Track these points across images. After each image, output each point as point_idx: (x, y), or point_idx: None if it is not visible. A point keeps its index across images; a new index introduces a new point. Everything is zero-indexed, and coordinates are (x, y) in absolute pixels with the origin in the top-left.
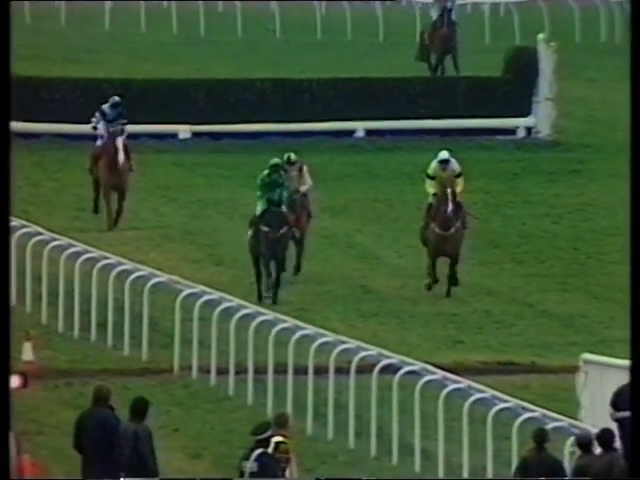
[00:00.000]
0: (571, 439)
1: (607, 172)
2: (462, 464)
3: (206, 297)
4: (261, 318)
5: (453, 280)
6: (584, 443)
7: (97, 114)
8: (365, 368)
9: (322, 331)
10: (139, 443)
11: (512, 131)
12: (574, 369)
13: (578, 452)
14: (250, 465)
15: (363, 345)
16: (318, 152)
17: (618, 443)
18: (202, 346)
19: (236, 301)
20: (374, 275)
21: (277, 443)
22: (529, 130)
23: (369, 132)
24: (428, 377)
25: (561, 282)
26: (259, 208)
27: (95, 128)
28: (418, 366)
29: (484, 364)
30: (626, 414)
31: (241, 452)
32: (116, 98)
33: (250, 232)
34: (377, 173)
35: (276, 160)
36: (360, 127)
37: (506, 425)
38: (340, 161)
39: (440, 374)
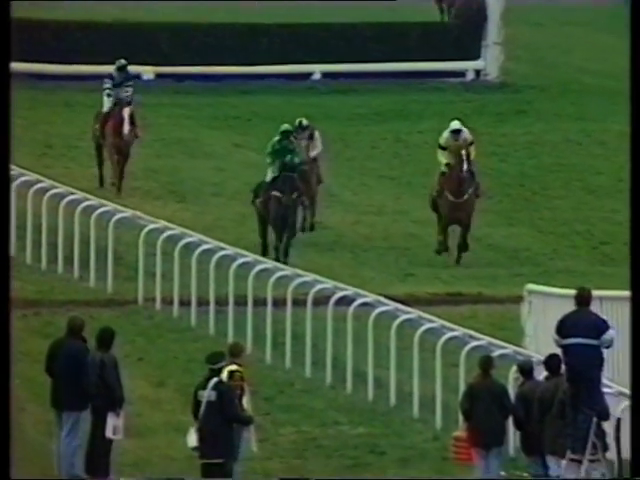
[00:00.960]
0: (515, 365)
1: (552, 112)
2: (413, 391)
3: (168, 232)
4: (222, 253)
5: (464, 247)
6: (526, 370)
7: (106, 80)
8: (321, 300)
9: (280, 265)
10: (105, 371)
11: (462, 74)
12: (519, 299)
13: (521, 379)
14: (207, 394)
15: (319, 278)
16: (276, 94)
17: (563, 368)
18: (165, 279)
19: (197, 236)
20: (330, 212)
21: (231, 372)
22: (478, 73)
23: (325, 75)
24: (381, 308)
25: (507, 217)
26: (269, 174)
27: (109, 95)
28: (371, 298)
29: (434, 295)
30: (570, 341)
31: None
32: (122, 61)
33: (260, 198)
34: (333, 114)
35: (286, 126)
36: (317, 70)
37: (454, 353)
38: (298, 102)
39: (392, 305)
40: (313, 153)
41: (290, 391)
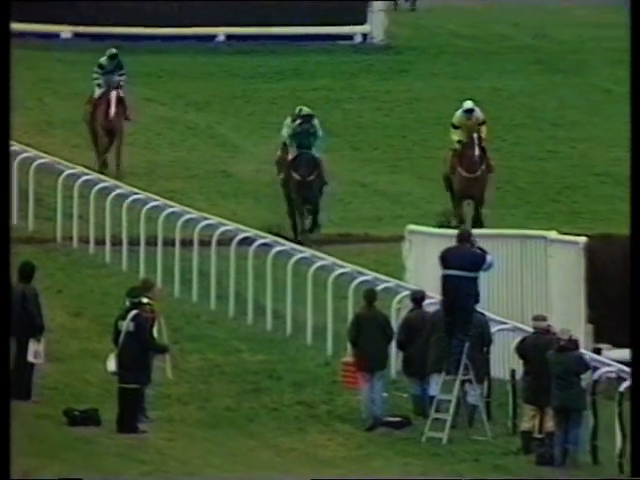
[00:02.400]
0: (398, 297)
1: (430, 71)
2: (307, 322)
3: (85, 177)
4: (134, 197)
5: (478, 222)
6: (417, 298)
7: (96, 68)
8: (225, 241)
9: (188, 209)
10: (27, 302)
11: (350, 37)
12: (401, 238)
13: (410, 305)
14: (126, 324)
15: (223, 221)
16: (184, 53)
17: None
18: (82, 220)
19: (111, 182)
20: (233, 161)
21: (144, 304)
22: (365, 36)
23: (229, 37)
24: (278, 248)
25: (391, 165)
26: (290, 156)
27: (99, 85)
28: (270, 239)
29: (326, 236)
30: (448, 272)
31: (116, 312)
32: (113, 50)
33: (281, 175)
34: (236, 73)
35: (307, 110)
36: (221, 33)
37: (344, 287)
38: (203, 62)
39: (288, 245)
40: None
41: (196, 322)
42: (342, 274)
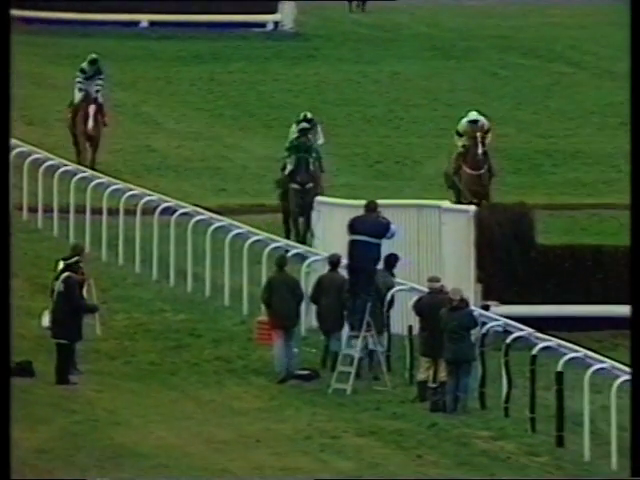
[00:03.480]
0: (307, 262)
1: (335, 56)
2: (224, 284)
3: (18, 149)
4: (64, 168)
5: None
6: (333, 261)
7: (78, 72)
8: (148, 210)
9: (114, 180)
10: None
11: (263, 25)
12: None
13: (328, 268)
14: (58, 285)
15: (147, 192)
16: (111, 37)
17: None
18: (15, 188)
19: (44, 154)
20: (156, 137)
21: (75, 267)
22: (276, 24)
23: (152, 23)
24: (198, 217)
25: None
26: (288, 167)
27: (80, 89)
28: (190, 208)
29: (242, 206)
30: (354, 237)
31: (47, 273)
32: (93, 55)
33: (280, 189)
34: (159, 56)
35: (305, 125)
36: (145, 19)
37: (258, 253)
38: (128, 45)
39: (207, 215)
40: (317, 143)
41: (123, 284)
42: (256, 241)
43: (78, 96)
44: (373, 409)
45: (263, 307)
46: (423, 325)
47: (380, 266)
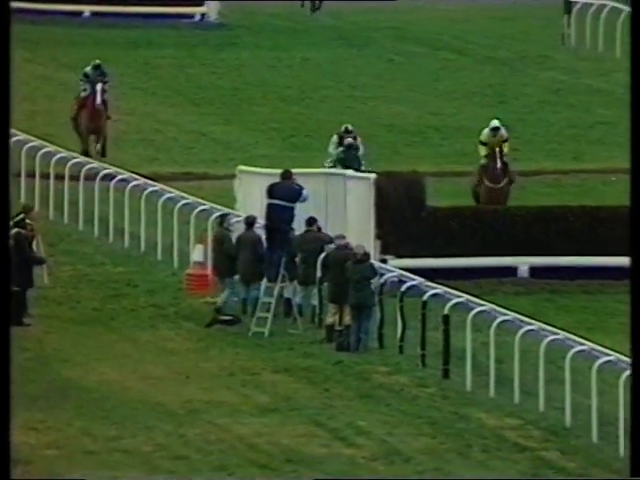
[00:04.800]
0: (237, 219)
1: (254, 44)
2: (157, 241)
3: None
4: (15, 138)
5: None
6: (250, 221)
7: (82, 77)
8: (91, 176)
9: (60, 149)
10: None
11: (191, 16)
12: (233, 176)
13: (244, 227)
14: (10, 240)
15: (89, 160)
16: (57, 25)
17: (263, 223)
18: None
19: None
20: None
21: (24, 224)
22: (203, 15)
23: (94, 14)
24: (134, 182)
25: (224, 118)
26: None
27: (85, 89)
28: (127, 175)
29: (173, 174)
30: (271, 201)
31: None
32: (96, 61)
33: None
34: (100, 42)
35: (350, 140)
36: (87, 10)
37: (186, 214)
38: (75, 33)
39: (142, 180)
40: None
41: (68, 240)
42: (185, 204)
43: (83, 94)
44: (287, 349)
45: (191, 261)
46: (330, 276)
47: (304, 227)
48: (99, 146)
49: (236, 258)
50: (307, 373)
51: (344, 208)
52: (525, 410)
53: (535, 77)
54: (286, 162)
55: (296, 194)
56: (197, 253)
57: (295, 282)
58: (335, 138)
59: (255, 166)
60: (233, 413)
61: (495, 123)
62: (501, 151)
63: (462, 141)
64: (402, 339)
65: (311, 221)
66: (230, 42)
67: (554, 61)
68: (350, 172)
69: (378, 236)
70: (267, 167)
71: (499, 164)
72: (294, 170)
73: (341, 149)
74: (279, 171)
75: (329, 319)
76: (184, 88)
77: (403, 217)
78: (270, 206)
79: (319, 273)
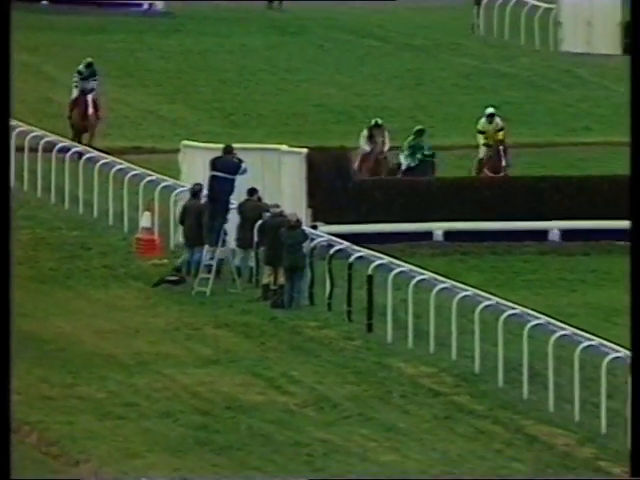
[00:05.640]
0: (175, 192)
1: (197, 31)
2: (109, 210)
3: None
4: None
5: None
6: (195, 191)
7: (75, 74)
8: (48, 148)
9: (20, 123)
10: None
11: (140, 5)
12: (178, 150)
13: (188, 196)
14: None
15: (47, 133)
16: (19, 10)
17: (205, 193)
18: None
19: None
20: (55, 91)
21: None
22: (150, 5)
23: (52, 1)
24: (88, 155)
25: (171, 98)
26: (405, 162)
27: (76, 86)
28: (81, 148)
29: (124, 148)
30: (212, 173)
31: None
32: (89, 59)
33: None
34: (57, 28)
35: (420, 127)
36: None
37: (136, 185)
38: (32, 18)
39: (95, 153)
40: (386, 148)
41: (27, 206)
42: (134, 175)
43: (75, 92)
44: (227, 307)
45: (140, 226)
46: (266, 241)
47: (244, 197)
48: (87, 140)
49: (182, 225)
50: (245, 328)
51: (279, 179)
52: (439, 359)
53: (449, 62)
54: (226, 138)
55: (236, 167)
56: (145, 219)
57: (235, 246)
58: (365, 132)
59: (198, 141)
60: (178, 364)
61: (490, 110)
62: (501, 141)
63: (385, 119)
64: (330, 297)
65: (252, 191)
66: (175, 29)
67: (465, 48)
68: (284, 147)
69: (309, 205)
70: (209, 142)
71: (503, 162)
72: (235, 145)
73: (411, 137)
74: (221, 146)
75: (265, 279)
76: (134, 70)
77: (332, 188)
78: (212, 178)
79: (256, 238)
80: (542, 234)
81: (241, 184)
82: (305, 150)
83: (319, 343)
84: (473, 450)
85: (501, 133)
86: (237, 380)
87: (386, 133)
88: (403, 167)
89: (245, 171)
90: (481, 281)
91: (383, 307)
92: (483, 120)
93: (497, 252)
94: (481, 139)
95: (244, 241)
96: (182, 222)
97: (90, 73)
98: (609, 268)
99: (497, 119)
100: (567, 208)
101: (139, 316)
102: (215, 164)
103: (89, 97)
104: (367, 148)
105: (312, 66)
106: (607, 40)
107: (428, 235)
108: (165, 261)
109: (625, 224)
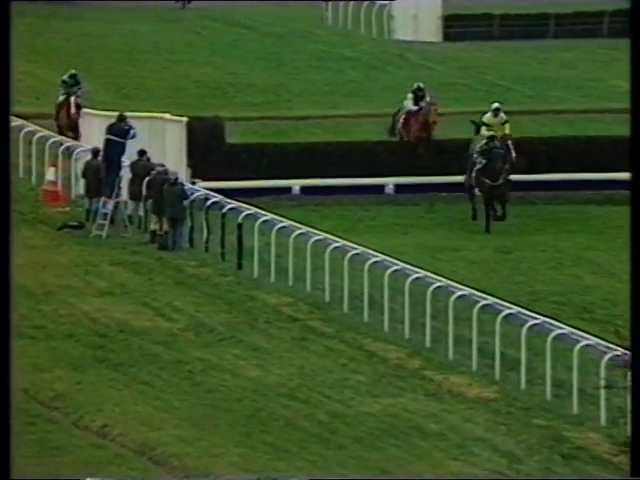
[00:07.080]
0: (75, 152)
1: (95, 17)
2: (19, 164)
3: None
4: None
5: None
6: (94, 152)
7: (60, 83)
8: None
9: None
10: None
11: None
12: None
13: (89, 156)
14: None
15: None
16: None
17: (102, 153)
18: None
19: None
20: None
21: None
22: None
23: None
24: (53, 139)
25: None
26: (480, 165)
27: (62, 93)
28: (46, 133)
29: (32, 113)
30: (105, 137)
31: None
32: (72, 70)
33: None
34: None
35: (491, 132)
36: None
37: (43, 144)
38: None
39: (47, 132)
40: (432, 117)
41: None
42: (41, 136)
43: (61, 98)
44: (120, 248)
45: (45, 179)
46: (152, 194)
47: (135, 157)
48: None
49: (84, 178)
50: (136, 266)
51: (163, 143)
52: (296, 291)
53: (303, 47)
54: (119, 107)
55: (126, 132)
56: (50, 174)
57: (127, 198)
58: (411, 95)
59: (96, 110)
60: (79, 294)
61: (496, 105)
62: (509, 136)
63: (251, 94)
64: (207, 241)
65: (141, 153)
66: (76, 15)
67: (317, 36)
68: (168, 116)
69: (189, 165)
70: (105, 111)
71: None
72: (127, 114)
73: (484, 141)
74: (115, 114)
75: (152, 226)
76: (42, 49)
77: (208, 151)
78: (107, 141)
79: (144, 192)
80: (380, 188)
81: (132, 147)
82: (185, 119)
83: (198, 279)
84: (324, 365)
85: (507, 126)
86: (129, 308)
87: (427, 96)
88: (477, 167)
89: (135, 136)
90: (331, 227)
91: (251, 249)
92: (489, 114)
93: (343, 203)
94: (484, 130)
95: (135, 194)
96: (84, 176)
97: (74, 82)
98: (433, 215)
99: (501, 113)
100: (399, 166)
101: (46, 254)
102: (110, 129)
103: (72, 99)
104: (414, 108)
105: (191, 49)
106: (430, 30)
107: (288, 190)
108: (67, 209)
109: (446, 179)
